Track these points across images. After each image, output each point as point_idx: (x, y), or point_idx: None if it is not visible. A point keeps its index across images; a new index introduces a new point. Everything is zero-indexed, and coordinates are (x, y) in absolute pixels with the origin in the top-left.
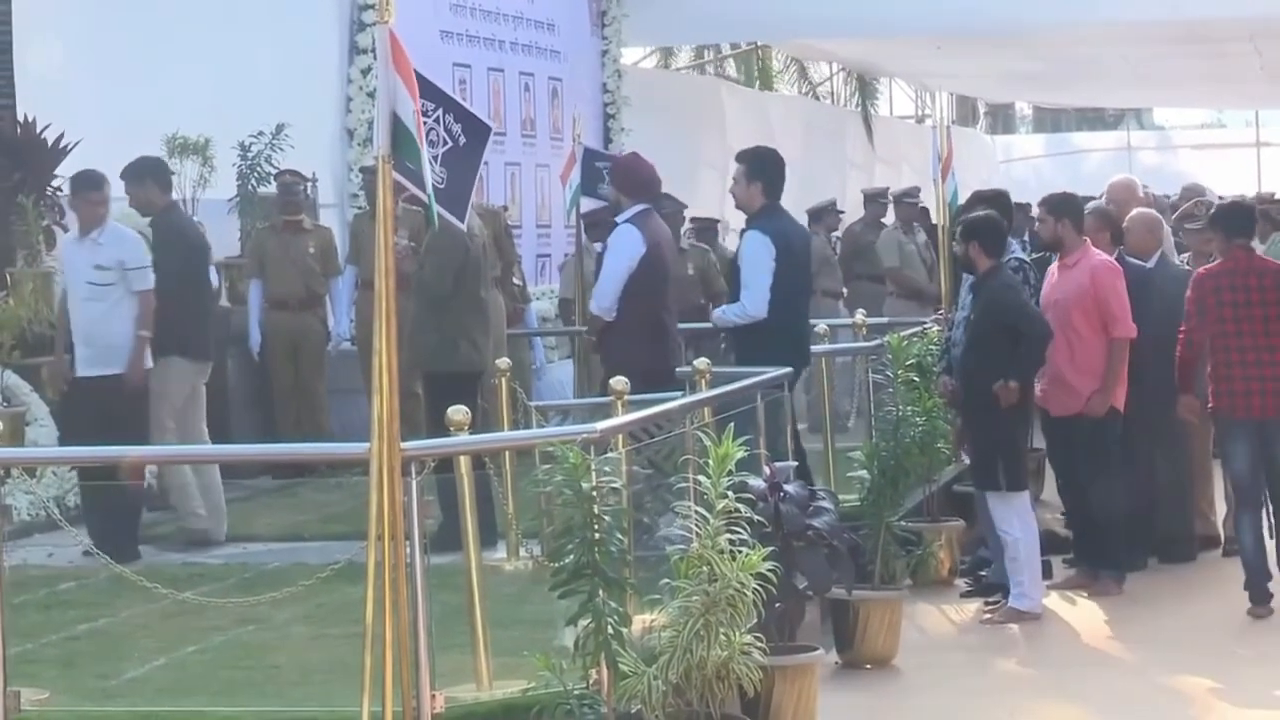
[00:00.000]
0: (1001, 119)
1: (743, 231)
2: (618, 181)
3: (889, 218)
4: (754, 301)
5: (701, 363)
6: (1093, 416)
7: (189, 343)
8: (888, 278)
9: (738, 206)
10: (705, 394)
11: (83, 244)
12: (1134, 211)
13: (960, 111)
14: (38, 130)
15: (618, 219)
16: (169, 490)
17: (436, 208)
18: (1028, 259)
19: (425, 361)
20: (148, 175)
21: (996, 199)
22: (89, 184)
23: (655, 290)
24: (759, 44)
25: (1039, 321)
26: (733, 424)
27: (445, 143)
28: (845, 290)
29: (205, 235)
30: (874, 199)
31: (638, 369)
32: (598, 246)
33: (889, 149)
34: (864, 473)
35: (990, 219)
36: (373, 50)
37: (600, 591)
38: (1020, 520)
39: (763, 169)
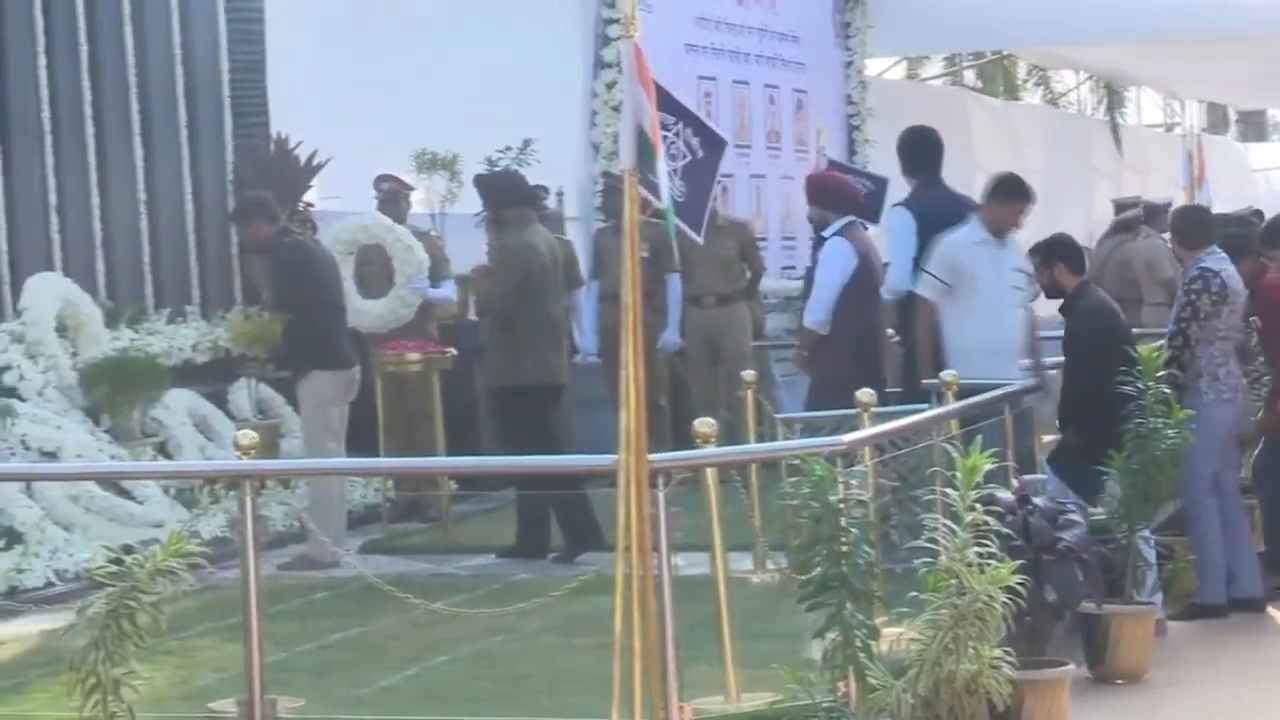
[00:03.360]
0: (1254, 126)
1: (889, 210)
2: (817, 198)
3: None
4: (895, 277)
5: (949, 374)
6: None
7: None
8: (1164, 288)
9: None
10: (952, 406)
11: (1004, 247)
12: None
13: (1211, 119)
14: (290, 148)
15: (824, 233)
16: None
17: (675, 220)
18: (1217, 268)
19: (491, 378)
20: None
21: (1198, 211)
22: (1016, 193)
23: (866, 302)
24: (1004, 53)
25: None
26: (980, 436)
27: (685, 156)
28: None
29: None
30: (1126, 209)
31: (849, 382)
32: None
33: (1137, 158)
34: (1114, 485)
35: (1068, 239)
36: (617, 64)
37: (848, 604)
38: None
39: (899, 149)
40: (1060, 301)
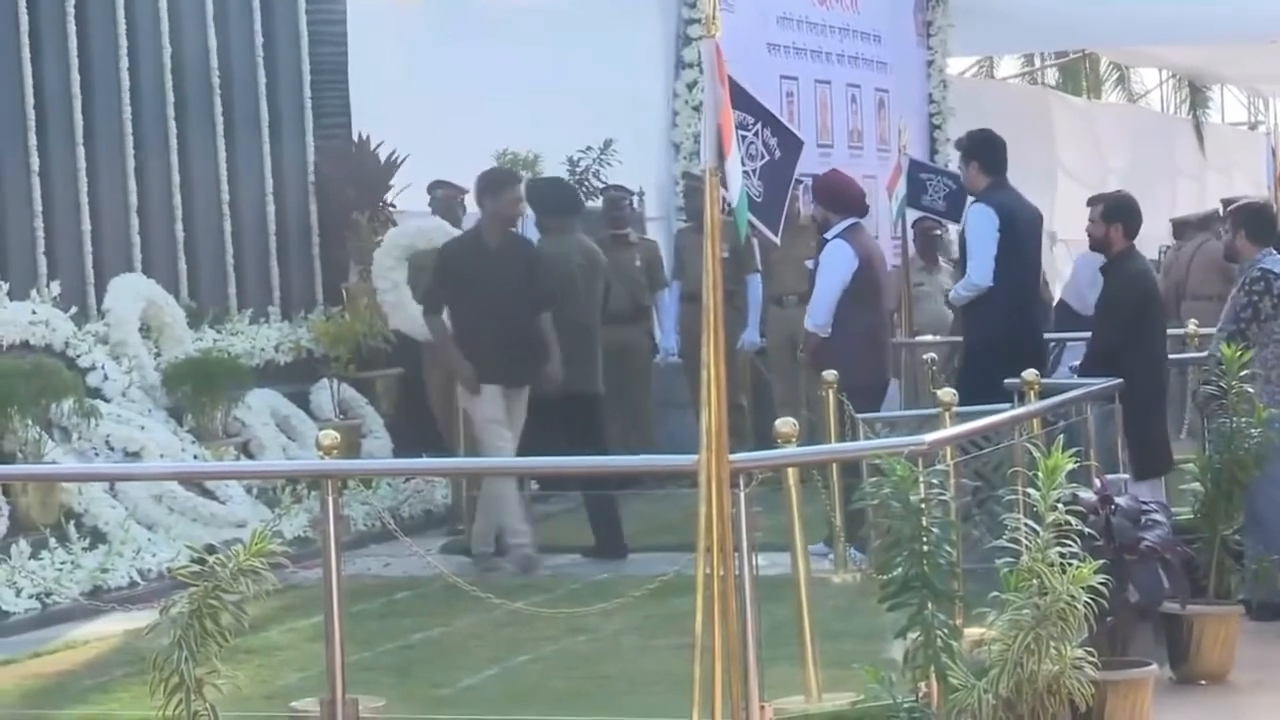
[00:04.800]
0: None
1: (967, 208)
2: (823, 199)
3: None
4: (979, 271)
5: (1030, 374)
6: None
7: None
8: None
9: (967, 191)
10: (1034, 406)
11: None
12: None
13: None
14: (372, 148)
15: (826, 235)
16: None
17: (749, 218)
18: (1278, 270)
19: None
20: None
21: (1263, 208)
22: None
23: (868, 304)
24: (1086, 52)
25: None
26: (1062, 436)
27: (763, 156)
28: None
29: None
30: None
31: (853, 383)
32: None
33: (1220, 156)
34: (1197, 485)
35: (1129, 200)
36: (698, 64)
37: (929, 604)
38: None
39: (975, 149)
40: (1100, 258)
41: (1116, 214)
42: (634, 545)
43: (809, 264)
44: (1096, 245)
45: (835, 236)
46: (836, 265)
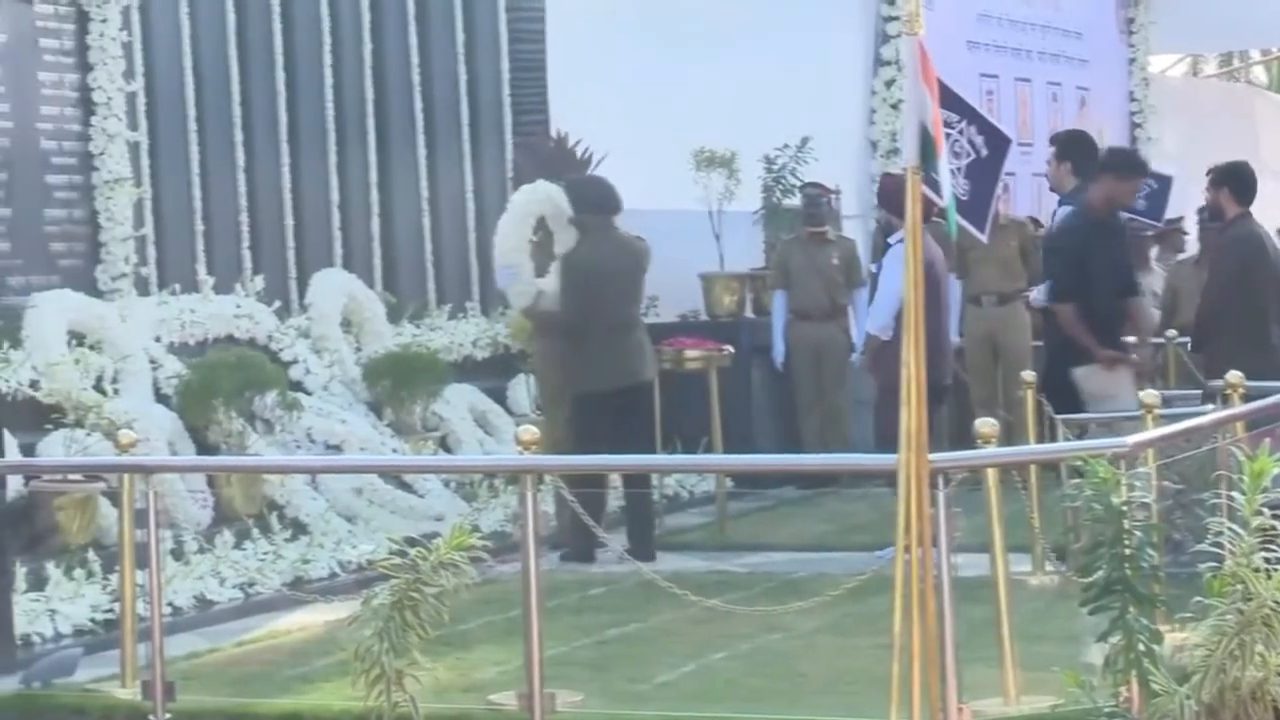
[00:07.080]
0: None
1: (1055, 210)
2: (887, 203)
3: None
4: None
5: (1234, 375)
6: None
7: None
8: None
9: (1051, 189)
10: (1238, 408)
11: None
12: None
13: None
14: (569, 145)
15: (890, 240)
16: None
17: (957, 219)
18: None
19: (570, 382)
20: None
21: None
22: None
23: (930, 307)
24: None
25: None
26: (1268, 439)
27: (968, 154)
28: None
29: None
30: None
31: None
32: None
33: None
34: None
35: (1239, 165)
36: (896, 62)
37: (1131, 608)
38: None
39: (1070, 149)
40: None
41: (1224, 178)
42: (831, 544)
43: (872, 268)
44: (1213, 213)
45: (899, 241)
46: (900, 269)
